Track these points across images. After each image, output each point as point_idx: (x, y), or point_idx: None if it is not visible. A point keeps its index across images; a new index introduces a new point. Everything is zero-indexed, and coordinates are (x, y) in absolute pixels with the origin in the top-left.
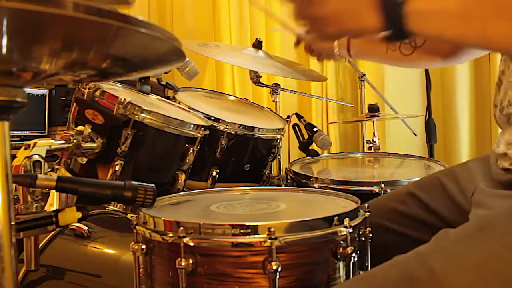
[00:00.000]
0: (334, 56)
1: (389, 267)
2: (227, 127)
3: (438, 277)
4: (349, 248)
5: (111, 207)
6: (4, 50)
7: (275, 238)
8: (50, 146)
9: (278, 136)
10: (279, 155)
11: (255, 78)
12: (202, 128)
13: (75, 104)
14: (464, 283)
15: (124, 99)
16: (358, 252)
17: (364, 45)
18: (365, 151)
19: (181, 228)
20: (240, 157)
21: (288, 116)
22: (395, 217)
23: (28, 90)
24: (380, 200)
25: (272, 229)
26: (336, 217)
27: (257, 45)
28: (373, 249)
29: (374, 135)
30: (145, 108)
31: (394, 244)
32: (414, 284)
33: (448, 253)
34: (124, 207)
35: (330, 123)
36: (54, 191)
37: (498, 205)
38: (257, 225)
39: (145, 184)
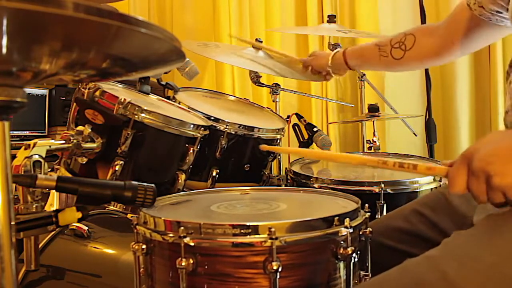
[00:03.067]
0: (336, 73)
1: (400, 272)
2: (227, 127)
3: (450, 280)
4: (350, 248)
5: (111, 207)
6: (4, 50)
7: (276, 238)
8: (50, 146)
9: (278, 136)
10: (279, 155)
11: (255, 78)
12: (202, 128)
13: (75, 104)
14: (476, 286)
15: (124, 99)
16: (358, 252)
17: (359, 56)
18: (365, 151)
19: (182, 228)
20: (240, 157)
21: (288, 116)
22: (398, 235)
23: (28, 90)
24: (382, 219)
25: (273, 229)
26: (337, 217)
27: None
28: (377, 269)
29: (374, 135)
30: (145, 108)
31: (398, 263)
32: None
33: (459, 256)
34: (124, 207)
35: (330, 123)
36: (54, 191)
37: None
38: (257, 225)
39: (145, 184)
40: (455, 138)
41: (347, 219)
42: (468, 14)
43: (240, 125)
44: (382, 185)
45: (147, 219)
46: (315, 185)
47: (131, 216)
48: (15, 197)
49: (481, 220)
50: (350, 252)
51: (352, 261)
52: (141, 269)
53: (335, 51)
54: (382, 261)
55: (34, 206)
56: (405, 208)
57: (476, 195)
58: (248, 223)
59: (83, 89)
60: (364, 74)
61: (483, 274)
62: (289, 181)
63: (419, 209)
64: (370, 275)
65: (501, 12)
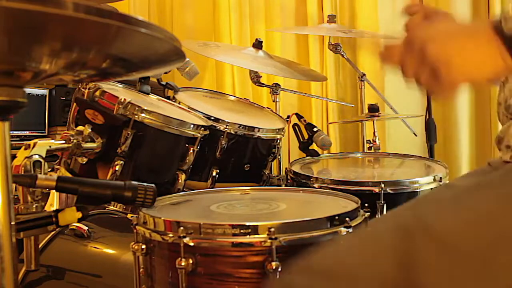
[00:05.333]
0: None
1: (384, 220)
2: (227, 127)
3: (430, 226)
4: None
5: (111, 207)
6: (4, 50)
7: (275, 238)
8: (50, 146)
9: (278, 136)
10: (279, 155)
11: (255, 78)
12: (202, 128)
13: (75, 104)
14: (456, 229)
15: (124, 99)
16: None
17: None
18: (365, 151)
19: (181, 228)
20: (240, 157)
21: (288, 116)
22: None
23: (28, 90)
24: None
25: (272, 229)
26: (336, 217)
27: (257, 45)
28: None
29: (374, 135)
30: (145, 108)
31: None
32: (407, 233)
33: (442, 205)
34: (124, 207)
35: (330, 123)
36: (54, 191)
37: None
38: (257, 225)
39: (145, 184)
40: (455, 138)
41: (347, 218)
42: None
43: (240, 125)
44: (382, 185)
45: (147, 219)
46: (315, 185)
47: (131, 216)
48: (15, 197)
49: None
50: None
51: None
52: (141, 269)
53: None
54: None
55: (34, 206)
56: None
57: (405, 64)
58: (247, 223)
59: (83, 89)
60: (364, 74)
61: (464, 223)
62: (289, 181)
63: None
64: None
65: None
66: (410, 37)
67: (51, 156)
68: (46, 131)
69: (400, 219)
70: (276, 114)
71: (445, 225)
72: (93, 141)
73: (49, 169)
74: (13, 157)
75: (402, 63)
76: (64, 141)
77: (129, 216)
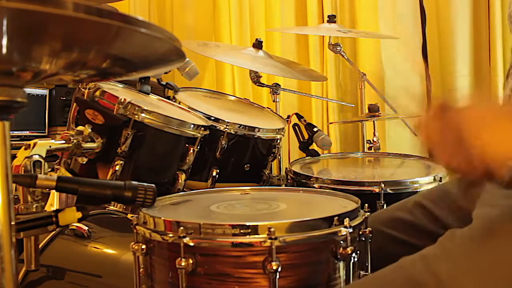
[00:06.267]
0: None
1: (394, 271)
2: (227, 127)
3: (443, 282)
4: (349, 248)
5: (111, 207)
6: (4, 50)
7: (275, 238)
8: (50, 146)
9: (278, 136)
10: (279, 155)
11: (255, 78)
12: (202, 128)
13: (75, 104)
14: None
15: (124, 99)
16: (358, 252)
17: None
18: (365, 151)
19: (181, 228)
20: (240, 157)
21: (288, 116)
22: (401, 226)
23: (28, 90)
24: (388, 210)
25: (272, 229)
26: (336, 217)
27: (257, 45)
28: (378, 258)
29: (374, 135)
30: (145, 108)
31: (399, 253)
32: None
33: (454, 257)
34: (124, 207)
35: (330, 123)
36: (54, 191)
37: (504, 205)
38: (257, 225)
39: (145, 184)
40: None
41: (347, 219)
42: None
43: (240, 125)
44: (382, 185)
45: (147, 219)
46: (315, 185)
47: (131, 216)
48: (15, 197)
49: (477, 220)
50: (349, 252)
51: (352, 261)
52: (141, 269)
53: None
54: (384, 251)
55: (34, 206)
56: (409, 200)
57: (439, 148)
58: (247, 223)
59: (83, 89)
60: (364, 74)
61: (477, 277)
62: (289, 181)
63: (422, 202)
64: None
65: None
66: (446, 120)
67: (51, 156)
68: (46, 131)
69: (412, 271)
70: (276, 114)
71: (459, 283)
72: (93, 141)
73: (49, 169)
74: (13, 157)
75: (436, 146)
76: (64, 141)
77: (129, 216)
